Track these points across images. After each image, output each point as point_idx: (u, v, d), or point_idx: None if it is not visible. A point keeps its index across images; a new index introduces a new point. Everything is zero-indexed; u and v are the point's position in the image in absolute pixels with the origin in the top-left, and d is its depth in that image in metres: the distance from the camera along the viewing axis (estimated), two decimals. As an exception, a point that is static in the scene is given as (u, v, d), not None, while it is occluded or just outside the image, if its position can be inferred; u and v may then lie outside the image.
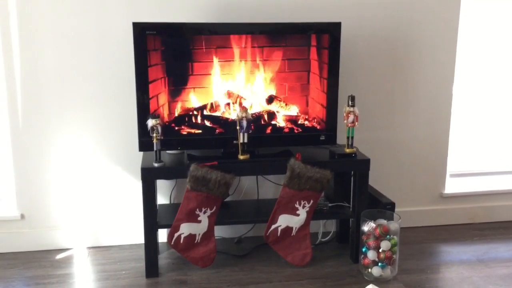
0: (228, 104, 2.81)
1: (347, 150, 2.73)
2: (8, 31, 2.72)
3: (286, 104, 2.86)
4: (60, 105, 2.84)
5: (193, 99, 2.81)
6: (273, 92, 2.86)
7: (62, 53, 2.79)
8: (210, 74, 2.80)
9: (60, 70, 2.81)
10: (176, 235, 2.62)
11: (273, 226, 2.71)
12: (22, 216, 2.94)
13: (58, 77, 2.81)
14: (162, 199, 2.99)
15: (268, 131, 2.79)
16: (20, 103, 2.81)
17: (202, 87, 2.82)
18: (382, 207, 2.74)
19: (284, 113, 2.86)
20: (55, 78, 2.81)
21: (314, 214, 2.72)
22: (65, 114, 2.86)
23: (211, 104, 2.81)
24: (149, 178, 2.59)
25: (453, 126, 3.26)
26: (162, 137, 2.57)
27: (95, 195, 2.98)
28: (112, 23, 2.79)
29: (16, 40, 2.74)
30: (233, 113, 2.76)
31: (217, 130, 2.76)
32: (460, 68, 3.21)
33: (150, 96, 2.60)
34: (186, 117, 2.78)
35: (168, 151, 2.78)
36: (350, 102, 2.69)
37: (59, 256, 2.91)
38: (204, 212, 2.59)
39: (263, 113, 2.82)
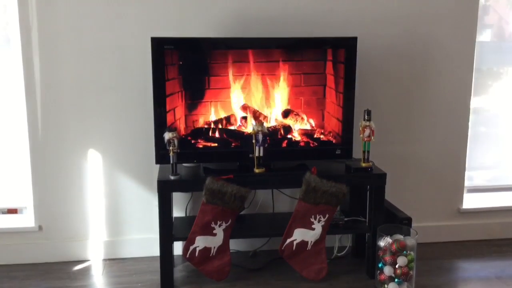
0: (244, 118, 2.83)
1: (363, 164, 2.72)
2: (29, 45, 2.78)
3: (302, 118, 2.87)
4: (78, 117, 2.88)
5: (209, 113, 2.84)
6: (289, 106, 2.87)
7: (81, 66, 2.84)
8: (226, 88, 2.82)
9: (79, 83, 2.85)
10: (191, 248, 2.62)
11: (288, 240, 2.70)
12: (40, 228, 2.97)
13: (77, 90, 2.86)
14: (178, 211, 3.00)
15: (284, 145, 2.80)
16: (39, 115, 2.85)
17: (218, 101, 2.84)
18: (399, 222, 2.71)
19: (299, 127, 2.86)
20: (74, 91, 2.86)
21: (330, 229, 2.71)
22: (83, 126, 2.90)
23: (227, 117, 2.83)
24: (165, 191, 2.60)
25: (471, 141, 3.23)
26: (178, 150, 2.59)
27: (112, 207, 3.01)
28: (131, 38, 2.83)
29: (36, 53, 2.79)
30: (249, 127, 2.77)
31: (233, 144, 2.77)
32: (478, 82, 3.19)
33: (167, 110, 2.63)
34: (202, 131, 2.80)
35: (184, 164, 2.79)
36: (366, 116, 2.68)
37: (76, 267, 2.93)
38: (220, 225, 2.60)
39: (279, 127, 2.83)
